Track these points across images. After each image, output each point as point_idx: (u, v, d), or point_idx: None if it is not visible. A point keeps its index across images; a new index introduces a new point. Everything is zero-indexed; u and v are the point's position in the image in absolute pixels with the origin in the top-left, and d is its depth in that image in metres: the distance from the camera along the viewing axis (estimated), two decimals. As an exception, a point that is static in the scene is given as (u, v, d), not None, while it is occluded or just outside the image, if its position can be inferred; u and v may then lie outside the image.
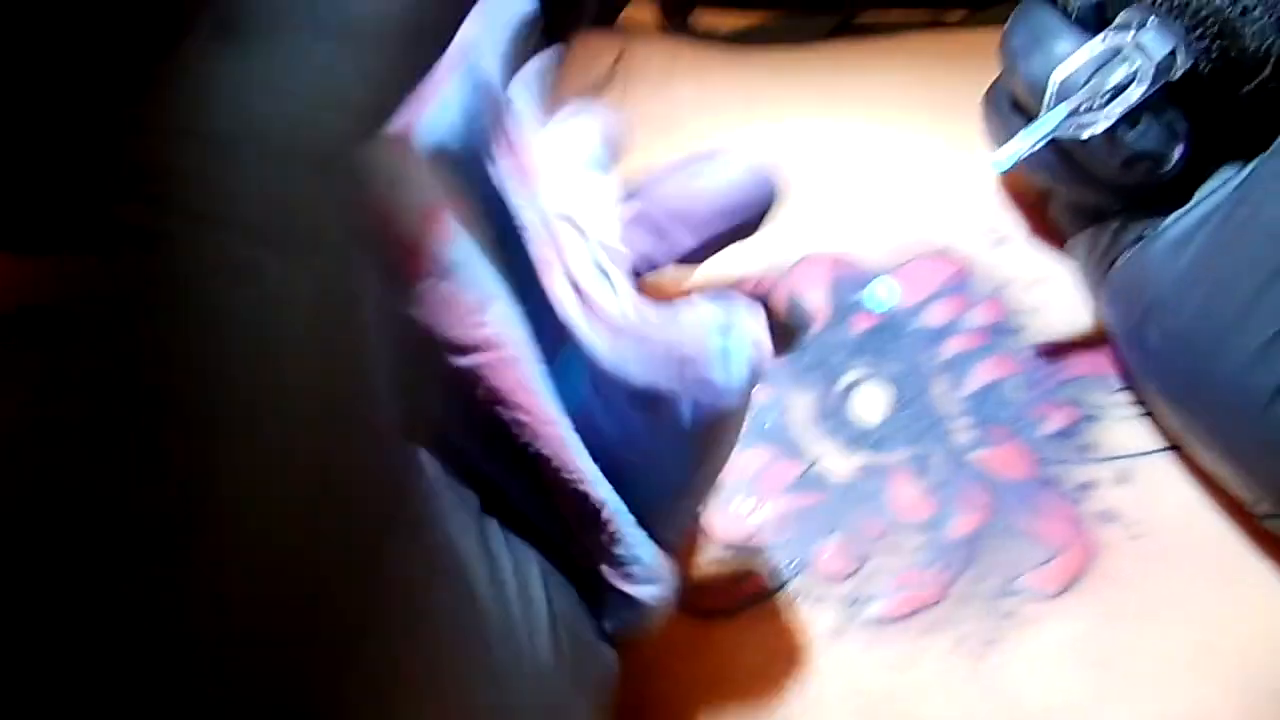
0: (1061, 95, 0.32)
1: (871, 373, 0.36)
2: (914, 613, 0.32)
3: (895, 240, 0.39)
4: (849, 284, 0.38)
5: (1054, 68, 0.33)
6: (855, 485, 0.34)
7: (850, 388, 0.36)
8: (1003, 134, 0.36)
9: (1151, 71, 0.32)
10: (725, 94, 0.42)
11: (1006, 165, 0.33)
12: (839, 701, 0.31)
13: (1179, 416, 0.34)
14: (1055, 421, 0.36)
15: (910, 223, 0.39)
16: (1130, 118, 0.32)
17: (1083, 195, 0.36)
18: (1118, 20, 0.33)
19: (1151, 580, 0.33)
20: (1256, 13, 0.31)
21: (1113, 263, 0.35)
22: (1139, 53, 0.32)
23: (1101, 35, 0.33)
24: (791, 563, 0.33)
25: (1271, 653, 0.32)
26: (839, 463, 0.35)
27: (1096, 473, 0.35)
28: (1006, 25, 0.35)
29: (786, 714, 0.31)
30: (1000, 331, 0.37)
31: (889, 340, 0.37)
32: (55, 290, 0.25)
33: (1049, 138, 0.32)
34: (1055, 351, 0.37)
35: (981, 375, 0.36)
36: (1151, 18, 0.32)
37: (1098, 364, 0.37)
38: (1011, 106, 0.36)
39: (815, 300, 0.38)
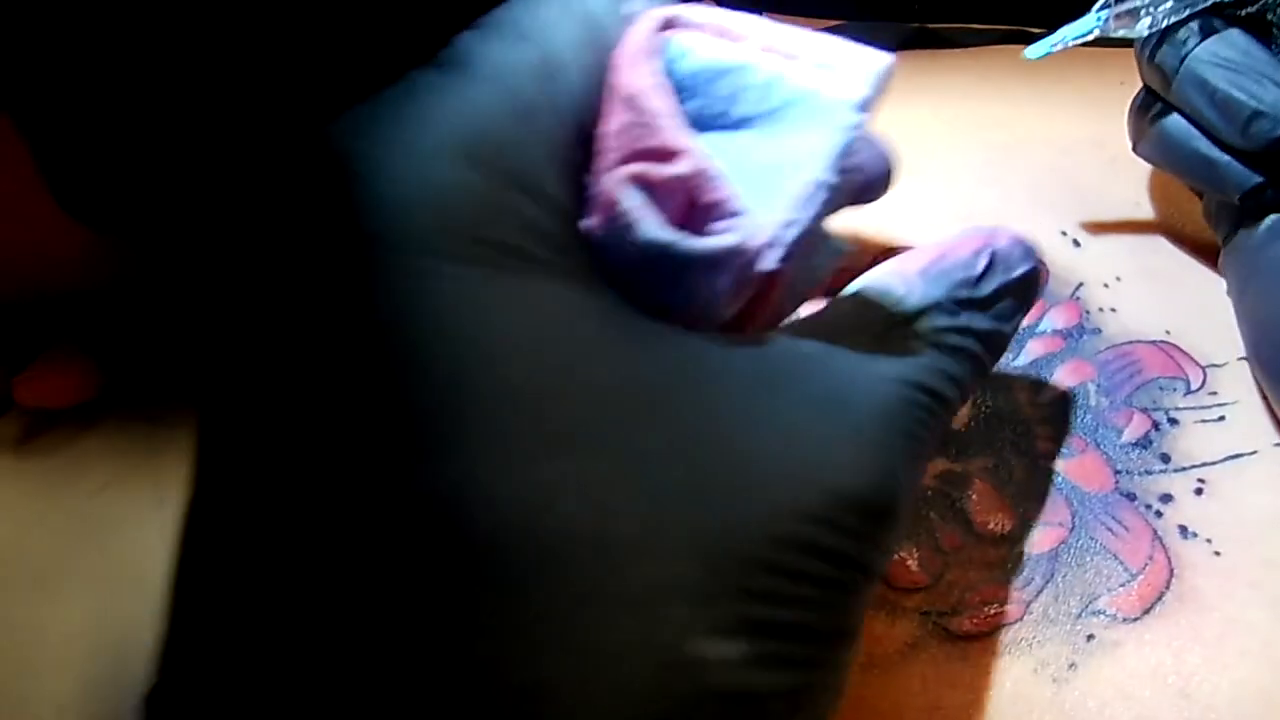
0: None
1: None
2: (994, 630, 0.31)
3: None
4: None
5: None
6: (935, 493, 0.33)
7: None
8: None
9: None
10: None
11: (1038, 54, 0.34)
12: (916, 718, 0.30)
13: None
14: (1134, 429, 0.35)
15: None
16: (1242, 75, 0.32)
17: (1221, 192, 0.35)
18: None
19: (1232, 602, 0.32)
20: None
21: (1256, 262, 0.33)
22: None
23: None
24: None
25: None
26: (918, 469, 0.34)
27: (1175, 484, 0.34)
28: None
29: (863, 731, 0.30)
30: (1079, 334, 0.36)
31: (968, 340, 0.36)
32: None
33: (1087, 35, 0.33)
34: (1131, 354, 0.36)
35: (1061, 380, 0.35)
36: None
37: (1173, 366, 0.36)
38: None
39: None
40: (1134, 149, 0.38)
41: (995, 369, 0.35)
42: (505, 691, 0.18)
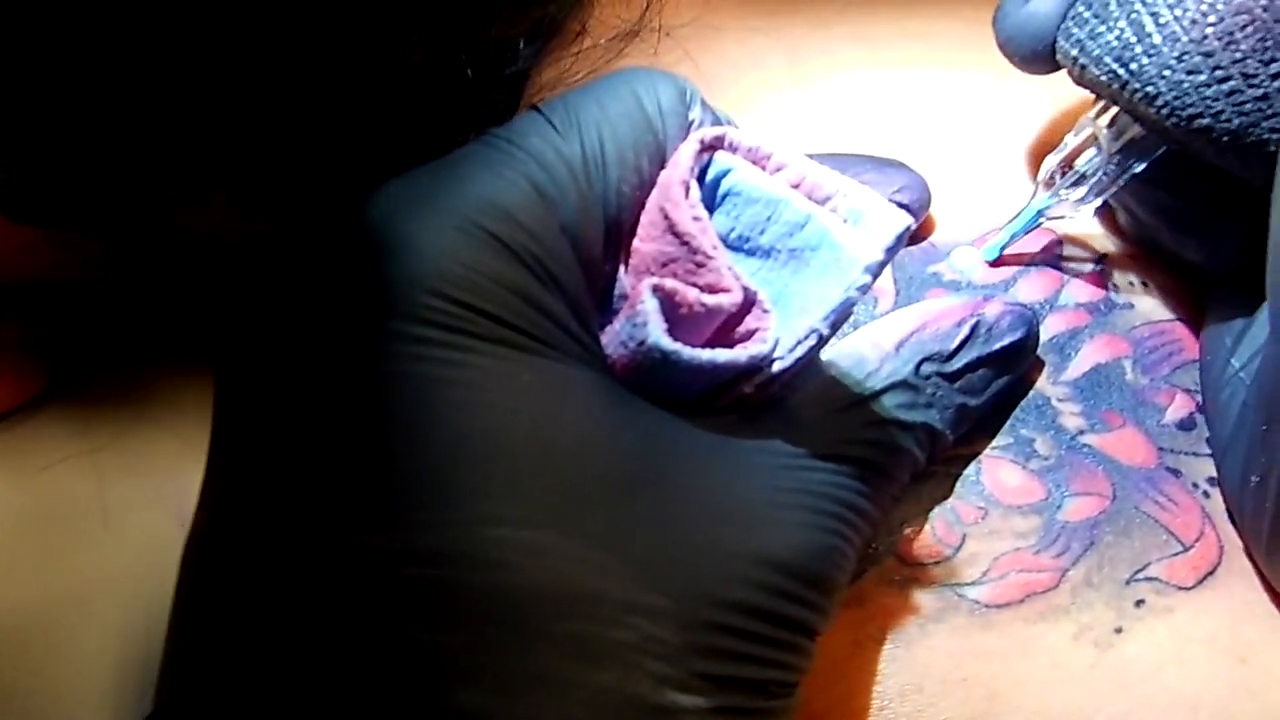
0: (1049, 180, 0.33)
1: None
2: (1026, 598, 0.28)
3: (973, 205, 0.34)
4: (921, 257, 0.34)
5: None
6: (942, 475, 0.31)
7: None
8: None
9: (1107, 163, 0.32)
10: (768, 50, 0.39)
11: (994, 254, 0.33)
12: (940, 690, 0.27)
13: None
14: (1176, 409, 0.32)
15: (989, 186, 0.35)
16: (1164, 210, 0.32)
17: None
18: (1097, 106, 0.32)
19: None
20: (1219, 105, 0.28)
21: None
22: (1096, 144, 0.32)
23: (1079, 124, 0.32)
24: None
25: None
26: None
27: (1226, 467, 0.31)
28: None
29: (880, 704, 0.27)
30: (1107, 308, 0.33)
31: (977, 320, 0.34)
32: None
33: (1034, 225, 0.33)
34: (1171, 332, 0.33)
35: (1089, 356, 0.32)
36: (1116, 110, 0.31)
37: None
38: None
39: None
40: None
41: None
42: None
